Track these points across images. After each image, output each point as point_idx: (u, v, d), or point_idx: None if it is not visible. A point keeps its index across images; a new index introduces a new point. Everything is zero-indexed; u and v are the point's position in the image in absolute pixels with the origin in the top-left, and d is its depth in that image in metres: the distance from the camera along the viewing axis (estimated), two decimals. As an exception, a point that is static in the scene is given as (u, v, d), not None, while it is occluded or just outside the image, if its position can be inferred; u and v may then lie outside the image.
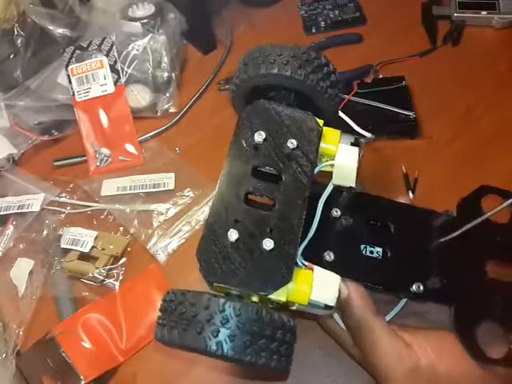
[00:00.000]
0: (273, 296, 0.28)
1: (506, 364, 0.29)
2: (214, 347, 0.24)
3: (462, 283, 0.31)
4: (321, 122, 0.32)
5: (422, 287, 0.30)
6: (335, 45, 0.64)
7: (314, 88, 0.31)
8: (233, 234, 0.28)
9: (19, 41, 0.58)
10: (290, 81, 0.31)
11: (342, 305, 0.32)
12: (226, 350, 0.24)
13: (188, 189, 0.53)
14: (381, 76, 0.58)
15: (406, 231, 0.33)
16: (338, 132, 0.32)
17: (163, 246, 0.50)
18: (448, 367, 0.30)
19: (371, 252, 0.32)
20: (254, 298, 0.28)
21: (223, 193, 0.30)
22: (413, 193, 0.49)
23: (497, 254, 0.33)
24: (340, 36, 0.65)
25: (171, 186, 0.54)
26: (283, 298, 0.28)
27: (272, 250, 0.28)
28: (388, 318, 0.32)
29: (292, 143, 0.30)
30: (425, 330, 0.31)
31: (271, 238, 0.28)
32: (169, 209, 0.52)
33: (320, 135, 0.31)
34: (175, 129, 0.60)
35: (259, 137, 0.31)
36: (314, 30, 0.66)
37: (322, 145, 0.32)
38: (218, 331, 0.25)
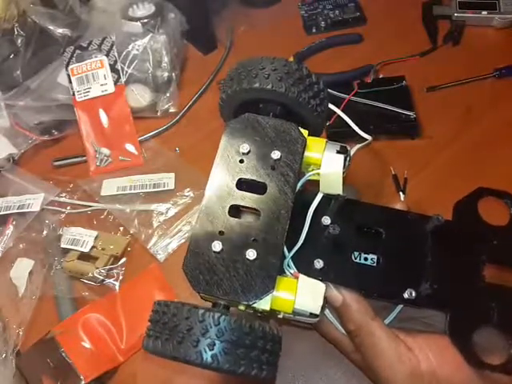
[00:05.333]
0: (257, 305, 0.28)
1: (503, 370, 0.29)
2: (193, 356, 0.26)
3: (456, 289, 0.31)
4: (305, 132, 0.32)
5: (414, 293, 0.30)
6: (335, 45, 0.64)
7: (296, 99, 0.32)
8: (216, 246, 0.29)
9: (19, 41, 0.58)
10: (271, 94, 0.32)
11: (339, 312, 0.32)
12: (205, 359, 0.25)
13: (188, 189, 0.53)
14: (381, 76, 0.58)
15: (397, 237, 0.33)
16: (323, 141, 0.32)
17: (163, 246, 0.50)
18: (449, 373, 0.29)
19: (365, 259, 0.32)
20: (241, 307, 0.29)
21: (208, 206, 0.30)
22: (403, 193, 0.49)
23: (494, 258, 0.32)
24: (340, 36, 0.65)
25: (171, 186, 0.54)
26: (267, 307, 0.29)
27: (255, 260, 0.29)
28: (386, 322, 0.32)
29: (276, 154, 0.31)
30: (426, 335, 0.31)
31: (254, 249, 0.29)
32: (169, 209, 0.52)
33: (304, 145, 0.32)
34: (175, 129, 0.60)
35: (244, 149, 0.31)
36: (314, 30, 0.66)
37: (308, 154, 0.32)
38: (198, 341, 0.26)
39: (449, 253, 0.32)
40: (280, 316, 0.30)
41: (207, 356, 0.25)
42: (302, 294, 0.29)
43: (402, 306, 0.33)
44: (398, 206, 0.35)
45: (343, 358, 0.37)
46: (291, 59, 0.61)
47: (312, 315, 0.29)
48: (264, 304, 0.29)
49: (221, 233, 0.29)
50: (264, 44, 0.64)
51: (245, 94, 0.33)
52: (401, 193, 0.49)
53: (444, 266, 0.32)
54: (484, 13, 0.62)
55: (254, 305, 0.28)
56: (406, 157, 0.52)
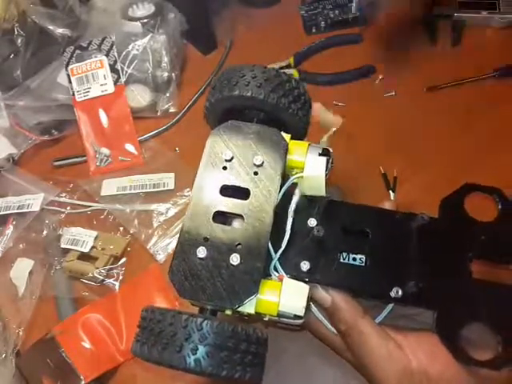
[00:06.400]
0: (242, 309, 0.29)
1: (491, 366, 0.29)
2: (177, 361, 0.26)
3: (443, 286, 0.31)
4: (287, 136, 0.33)
5: (400, 292, 0.31)
6: (335, 45, 0.64)
7: (276, 105, 0.32)
8: (201, 252, 0.29)
9: (19, 41, 0.58)
10: (252, 100, 0.33)
11: (329, 312, 0.32)
12: (188, 363, 0.26)
13: (188, 189, 0.53)
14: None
15: (383, 236, 0.33)
16: (305, 144, 0.33)
17: (163, 246, 0.50)
18: (439, 371, 0.29)
19: (354, 259, 0.32)
20: (227, 312, 0.30)
21: (193, 213, 0.31)
22: (393, 192, 0.49)
23: (482, 253, 0.32)
24: (340, 36, 0.65)
25: (171, 186, 0.54)
26: (252, 311, 0.29)
27: (238, 264, 0.29)
28: (377, 321, 0.32)
29: (258, 160, 0.32)
30: (417, 333, 0.31)
31: (238, 253, 0.29)
32: (169, 209, 0.52)
33: (286, 149, 0.32)
34: (175, 129, 0.60)
35: (226, 157, 0.32)
36: (314, 30, 0.66)
37: (291, 157, 0.33)
38: (182, 346, 0.26)
39: (435, 250, 0.32)
40: (266, 319, 0.30)
41: (190, 360, 0.26)
42: (285, 296, 0.29)
43: (391, 305, 0.33)
44: (387, 205, 0.35)
45: (342, 360, 0.37)
46: (291, 59, 0.62)
47: (296, 317, 0.30)
48: (249, 308, 0.29)
49: (205, 239, 0.30)
50: (264, 44, 0.64)
51: (226, 101, 0.34)
52: (391, 192, 0.49)
53: (430, 264, 0.32)
54: (484, 13, 0.62)
55: (239, 309, 0.29)
56: (405, 156, 0.52)
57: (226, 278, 0.29)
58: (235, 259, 0.29)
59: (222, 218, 0.31)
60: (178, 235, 0.30)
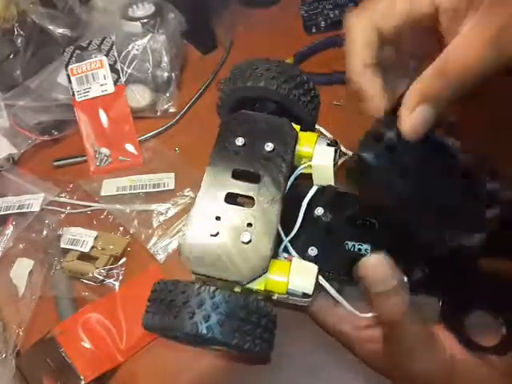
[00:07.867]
0: (251, 285, 0.30)
1: (496, 352, 0.29)
2: (189, 327, 0.27)
3: (448, 274, 0.31)
4: (297, 127, 0.34)
5: (405, 278, 0.31)
6: (335, 45, 0.64)
7: (287, 96, 0.34)
8: (213, 229, 0.30)
9: (19, 41, 0.58)
10: (264, 91, 0.34)
11: (389, 324, 0.30)
12: (200, 330, 0.27)
13: (188, 189, 0.54)
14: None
15: (389, 226, 0.33)
16: (314, 135, 0.34)
17: (163, 246, 0.50)
18: (463, 352, 0.30)
19: (359, 249, 0.33)
20: (236, 289, 0.31)
21: (205, 193, 0.32)
22: None
23: (488, 247, 0.33)
24: (340, 36, 0.65)
25: (171, 186, 0.54)
26: (261, 287, 0.30)
27: (249, 242, 0.30)
28: None
29: (269, 146, 0.33)
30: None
31: (249, 232, 0.30)
32: (169, 209, 0.52)
33: (296, 138, 0.34)
34: (175, 129, 0.60)
35: (239, 143, 0.33)
36: (314, 30, 0.66)
37: (300, 148, 0.34)
38: (194, 313, 0.27)
39: None
40: (274, 297, 0.31)
41: (202, 327, 0.27)
42: (295, 274, 0.30)
43: None
44: None
45: (344, 358, 0.37)
46: (291, 59, 0.62)
47: (305, 295, 0.30)
48: (258, 284, 0.30)
49: (217, 218, 0.31)
50: (264, 44, 0.64)
51: (240, 92, 0.35)
52: None
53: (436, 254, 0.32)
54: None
55: (249, 285, 0.30)
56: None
57: (237, 255, 0.30)
58: (246, 237, 0.30)
59: (233, 200, 0.33)
60: (191, 212, 0.31)
